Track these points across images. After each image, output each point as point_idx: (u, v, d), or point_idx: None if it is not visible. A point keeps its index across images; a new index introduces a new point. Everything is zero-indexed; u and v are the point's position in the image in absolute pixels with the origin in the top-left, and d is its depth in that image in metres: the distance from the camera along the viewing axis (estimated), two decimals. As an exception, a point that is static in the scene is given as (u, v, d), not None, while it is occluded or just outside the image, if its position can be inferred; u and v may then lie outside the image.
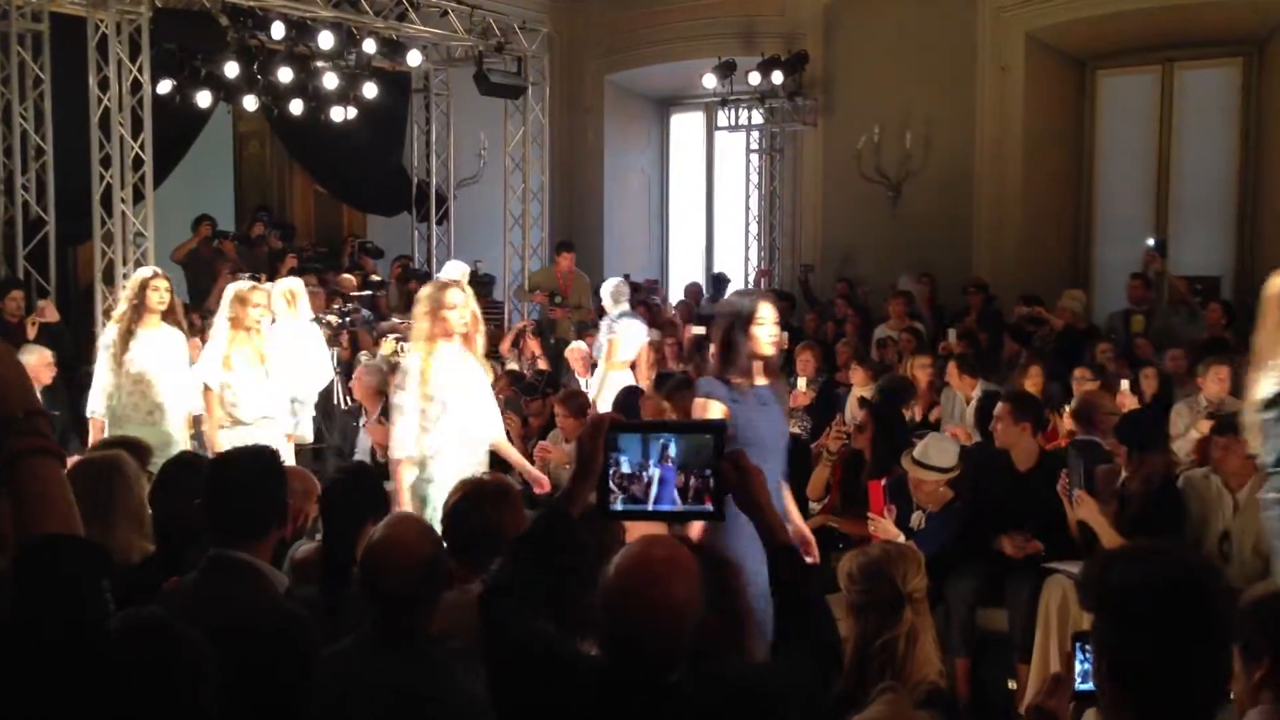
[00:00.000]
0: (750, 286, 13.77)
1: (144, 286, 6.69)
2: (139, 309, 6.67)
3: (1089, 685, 2.01)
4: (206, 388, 6.40)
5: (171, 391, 6.69)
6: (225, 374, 6.35)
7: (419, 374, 5.35)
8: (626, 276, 12.66)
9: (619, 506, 2.40)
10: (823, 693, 2.22)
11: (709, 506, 2.35)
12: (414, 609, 2.79)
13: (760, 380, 4.41)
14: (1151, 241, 10.65)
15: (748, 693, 2.12)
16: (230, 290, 6.51)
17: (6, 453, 1.79)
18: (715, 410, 4.31)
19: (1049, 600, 5.18)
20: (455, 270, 8.46)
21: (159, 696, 1.70)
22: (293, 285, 7.86)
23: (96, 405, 6.74)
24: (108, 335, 6.75)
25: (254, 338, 6.48)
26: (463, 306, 5.45)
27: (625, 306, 9.02)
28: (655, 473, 2.36)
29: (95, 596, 1.69)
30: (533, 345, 10.07)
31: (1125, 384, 7.18)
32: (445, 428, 5.35)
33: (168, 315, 6.76)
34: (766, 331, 4.35)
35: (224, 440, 6.13)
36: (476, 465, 5.36)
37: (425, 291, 5.58)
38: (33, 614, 1.64)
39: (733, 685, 2.13)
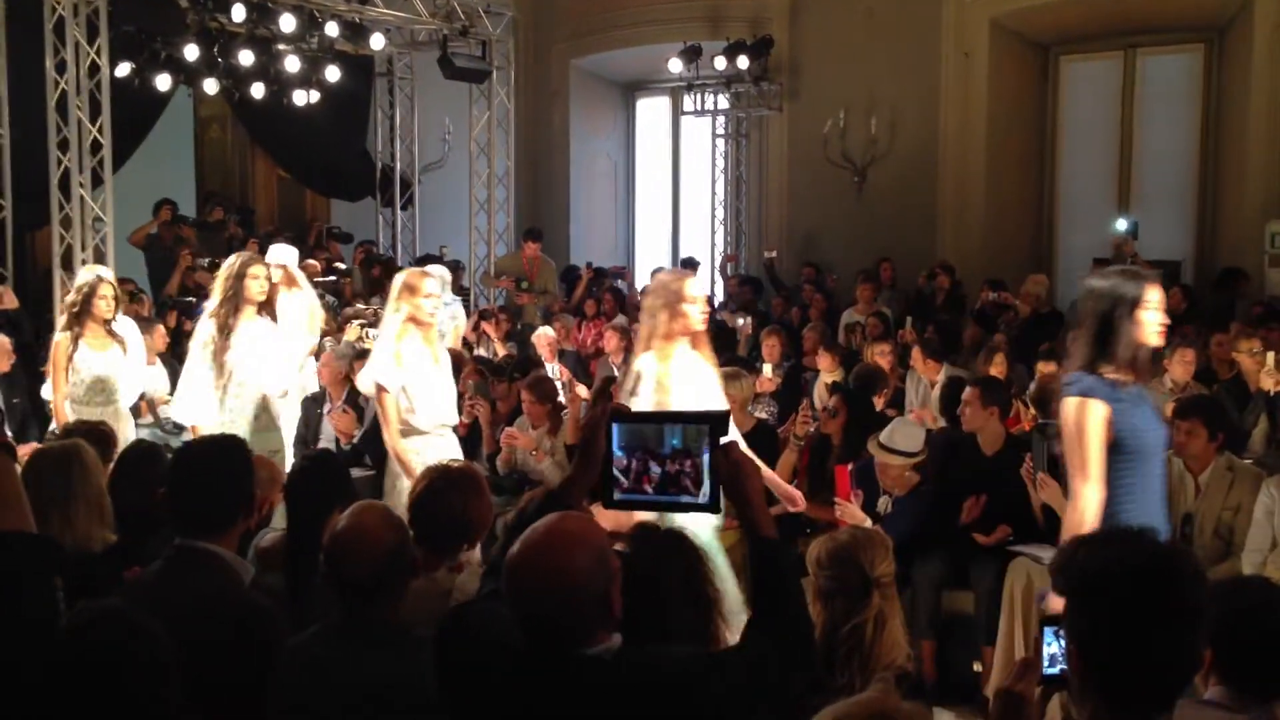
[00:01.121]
0: (718, 271, 13.80)
1: (243, 274, 5.92)
2: (236, 300, 5.89)
3: (1056, 669, 2.02)
4: (381, 389, 5.34)
5: (275, 392, 6.08)
6: (399, 373, 5.33)
7: (655, 380, 4.62)
8: (589, 264, 12.65)
9: (622, 496, 2.39)
10: (783, 684, 2.20)
11: (703, 498, 2.32)
12: (379, 598, 2.78)
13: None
14: (1124, 225, 10.69)
15: (675, 675, 2.09)
16: (399, 279, 5.53)
17: None
18: (1097, 412, 3.58)
19: (1014, 583, 5.23)
20: (283, 254, 7.73)
21: (117, 690, 1.68)
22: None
23: (201, 414, 5.91)
24: (203, 333, 5.95)
25: (429, 333, 5.46)
26: (704, 300, 4.74)
27: (449, 293, 9.11)
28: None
29: (45, 594, 1.63)
30: (488, 330, 10.02)
31: None
32: None
33: (264, 306, 6.10)
34: (1156, 318, 3.65)
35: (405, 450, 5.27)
36: None
37: (660, 281, 4.79)
38: None
39: (662, 667, 2.10)
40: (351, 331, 9.17)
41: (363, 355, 7.67)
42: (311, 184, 13.45)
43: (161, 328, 8.56)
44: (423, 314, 5.36)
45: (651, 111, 15.39)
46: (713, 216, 14.10)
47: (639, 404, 4.56)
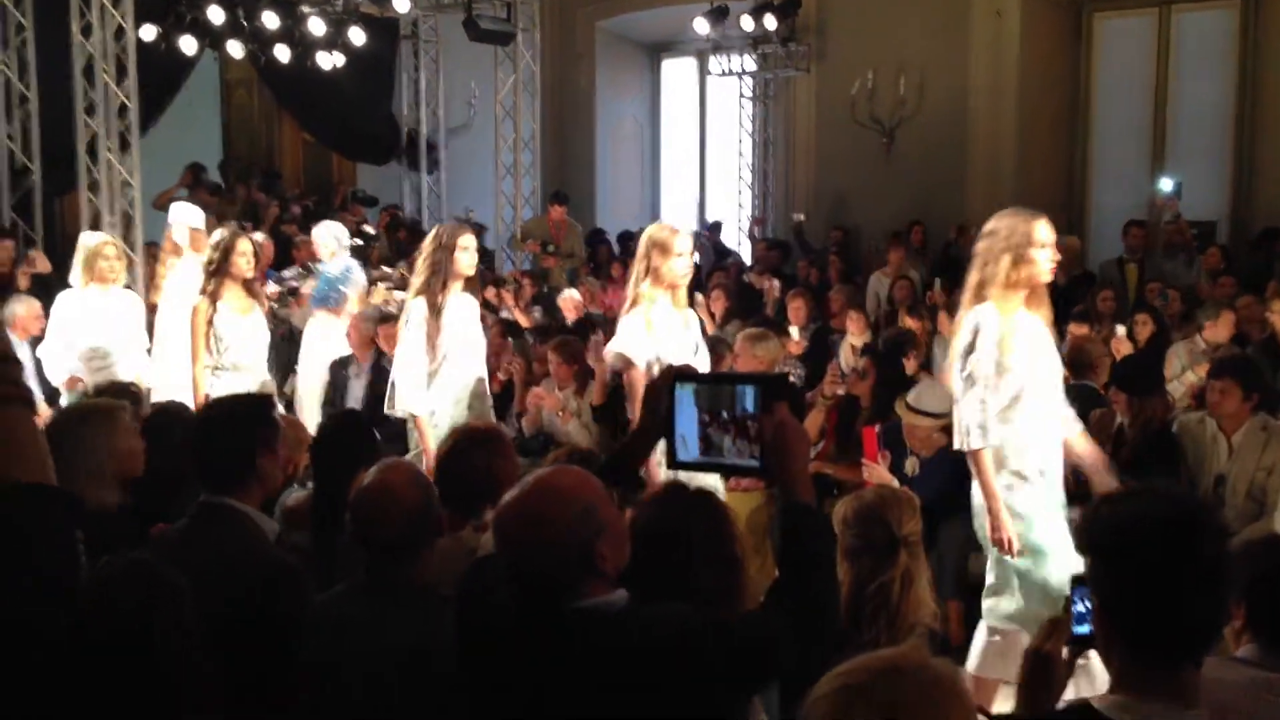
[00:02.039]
0: (744, 234, 13.72)
1: (451, 246, 5.18)
2: (444, 274, 5.18)
3: (1086, 628, 2.00)
4: (629, 363, 4.71)
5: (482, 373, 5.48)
6: (649, 339, 4.65)
7: (996, 341, 4.04)
8: (619, 239, 12.58)
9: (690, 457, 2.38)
10: (798, 659, 2.16)
11: (752, 461, 2.30)
12: (405, 556, 2.77)
13: None
14: (1168, 185, 10.51)
15: (674, 633, 2.06)
16: (646, 235, 4.77)
17: None
18: None
19: (1043, 545, 5.18)
20: (189, 215, 7.03)
21: (141, 642, 1.68)
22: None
23: (415, 401, 5.22)
24: (416, 311, 5.24)
25: (680, 295, 4.80)
26: (1055, 246, 4.12)
27: (348, 256, 8.24)
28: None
29: (66, 548, 1.61)
30: (505, 296, 9.97)
31: (1121, 330, 7.16)
32: (1025, 408, 4.11)
33: (469, 281, 5.43)
34: None
35: None
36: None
37: (1004, 223, 4.12)
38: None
39: (659, 624, 2.08)
40: (377, 294, 9.18)
41: (388, 319, 7.69)
42: (337, 148, 13.45)
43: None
44: (676, 275, 4.68)
45: (678, 73, 15.27)
46: (739, 179, 14.00)
47: (979, 361, 4.02)
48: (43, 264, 8.68)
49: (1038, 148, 11.82)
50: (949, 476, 5.57)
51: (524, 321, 9.41)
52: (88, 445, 3.57)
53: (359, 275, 8.20)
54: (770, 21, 12.28)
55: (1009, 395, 4.09)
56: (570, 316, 9.10)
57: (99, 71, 8.68)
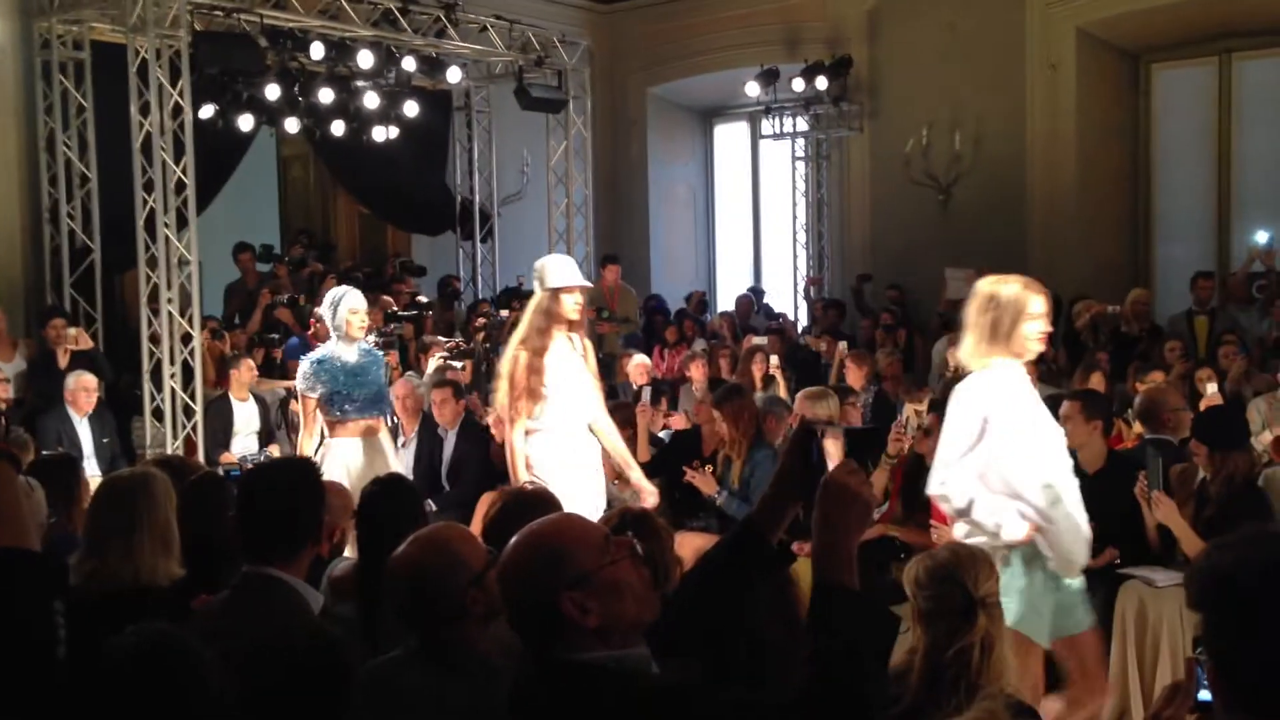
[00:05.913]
0: (800, 296, 13.58)
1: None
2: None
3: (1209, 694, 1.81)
4: None
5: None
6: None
7: None
8: (677, 309, 12.49)
9: None
10: None
11: None
12: (438, 626, 2.64)
13: None
14: (1264, 238, 10.25)
15: (641, 697, 1.93)
16: (985, 288, 4.21)
17: None
18: None
19: (1125, 608, 4.95)
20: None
21: (158, 714, 1.56)
22: None
23: None
24: None
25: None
26: None
27: None
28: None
29: (43, 617, 1.47)
30: None
31: (1213, 387, 6.84)
32: None
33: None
34: None
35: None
36: None
37: None
38: None
39: (636, 687, 1.95)
40: (434, 364, 9.10)
41: (442, 385, 7.62)
42: (392, 219, 13.53)
43: (250, 362, 8.64)
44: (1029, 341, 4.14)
45: (730, 137, 15.26)
46: (794, 240, 13.89)
47: None
48: (84, 341, 8.70)
49: (1099, 201, 11.60)
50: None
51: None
52: (153, 516, 3.50)
53: None
54: (822, 82, 12.23)
55: None
56: (638, 381, 9.02)
57: (157, 149, 8.78)
